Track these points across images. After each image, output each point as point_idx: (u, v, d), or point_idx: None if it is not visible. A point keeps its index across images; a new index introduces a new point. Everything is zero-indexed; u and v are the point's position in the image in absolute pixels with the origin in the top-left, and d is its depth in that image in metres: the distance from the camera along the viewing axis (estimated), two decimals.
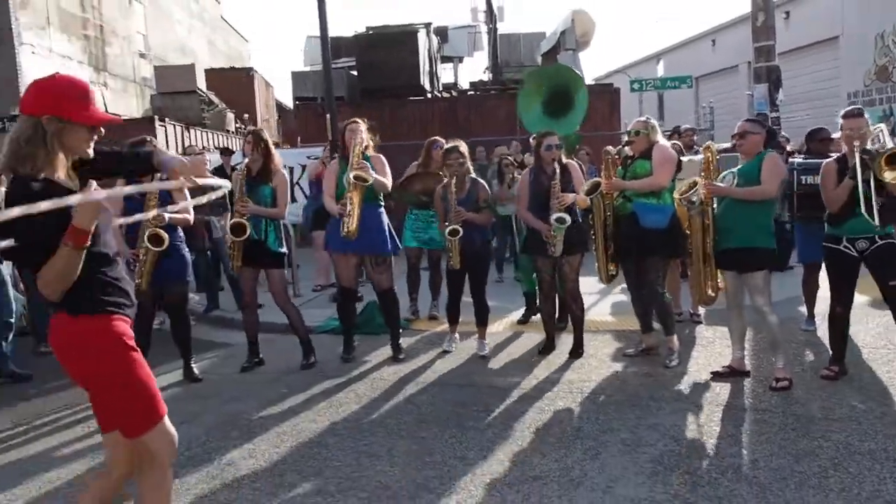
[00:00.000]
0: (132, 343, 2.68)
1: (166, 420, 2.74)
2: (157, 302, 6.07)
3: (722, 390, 5.13)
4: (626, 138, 6.10)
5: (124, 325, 2.69)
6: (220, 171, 9.05)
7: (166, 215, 5.42)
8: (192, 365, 6.09)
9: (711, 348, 6.20)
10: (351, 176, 5.84)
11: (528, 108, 8.69)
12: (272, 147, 6.19)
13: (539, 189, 5.98)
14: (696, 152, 8.41)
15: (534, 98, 8.90)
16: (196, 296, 9.27)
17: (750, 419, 4.59)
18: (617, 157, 5.88)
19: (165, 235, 5.44)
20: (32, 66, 15.90)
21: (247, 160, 6.09)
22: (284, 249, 6.28)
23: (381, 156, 6.27)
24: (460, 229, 6.08)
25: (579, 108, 8.94)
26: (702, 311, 7.10)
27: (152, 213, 5.13)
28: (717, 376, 5.39)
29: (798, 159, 6.50)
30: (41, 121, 2.51)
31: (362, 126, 6.20)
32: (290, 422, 4.92)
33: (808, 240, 6.25)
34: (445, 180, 6.36)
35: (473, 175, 6.43)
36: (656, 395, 5.10)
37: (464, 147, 6.36)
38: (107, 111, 17.93)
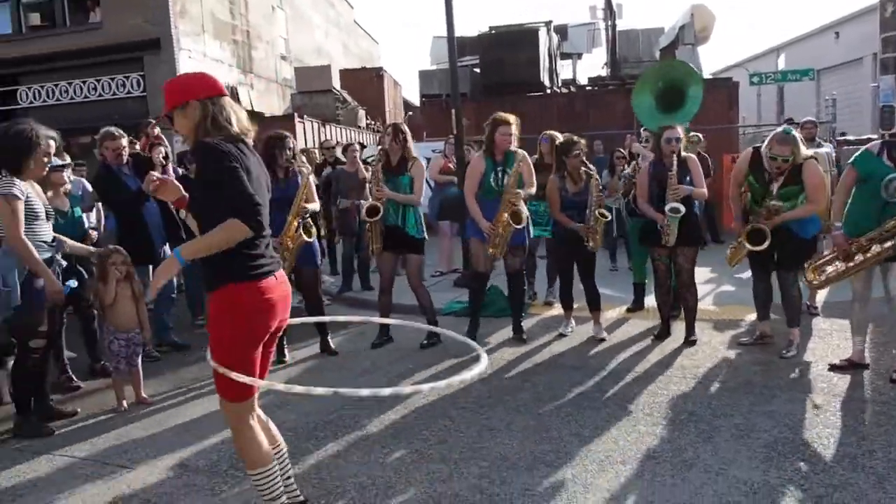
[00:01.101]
0: None
1: None
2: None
3: (839, 381, 4.91)
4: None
5: None
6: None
7: (309, 206, 5.75)
8: (329, 339, 6.36)
9: (829, 340, 5.93)
10: (505, 216, 5.95)
11: (641, 103, 8.56)
12: (410, 138, 6.29)
13: (658, 181, 5.88)
14: (819, 145, 8.03)
15: (646, 93, 8.75)
16: (331, 277, 9.64)
17: (868, 410, 4.38)
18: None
19: (314, 229, 5.73)
20: (189, 70, 16.84)
21: (379, 148, 6.29)
22: (424, 235, 6.32)
23: (525, 154, 6.21)
24: (608, 213, 6.10)
25: (691, 104, 8.71)
26: (819, 303, 6.80)
27: (312, 205, 5.77)
28: (834, 368, 5.15)
29: None
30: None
31: (515, 129, 6.12)
32: (416, 395, 5.06)
33: None
34: (557, 172, 6.42)
35: (589, 167, 6.38)
36: (770, 384, 4.94)
37: (582, 141, 6.34)
38: (253, 109, 18.78)
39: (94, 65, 16.72)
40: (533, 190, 6.21)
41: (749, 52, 38.63)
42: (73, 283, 4.86)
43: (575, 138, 6.36)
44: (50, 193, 5.26)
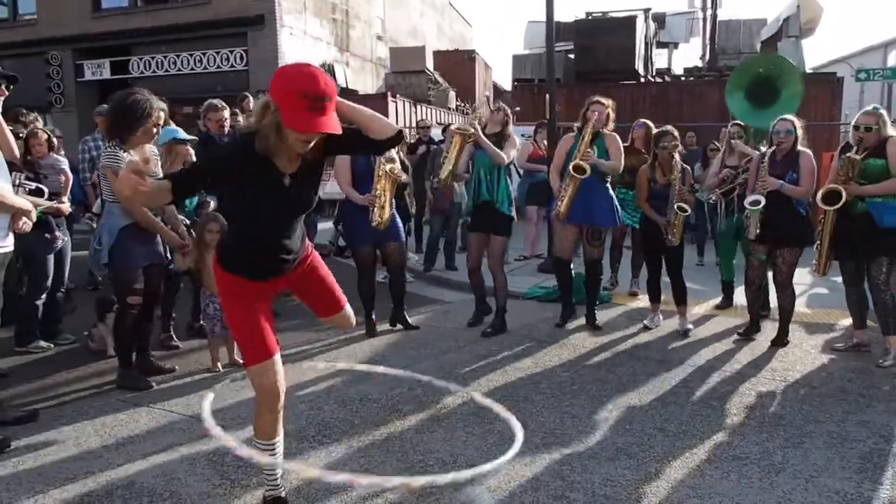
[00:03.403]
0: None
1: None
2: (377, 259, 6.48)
3: None
4: (848, 131, 5.60)
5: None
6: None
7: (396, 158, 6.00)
8: (405, 313, 6.37)
9: None
10: (570, 167, 5.83)
11: (732, 97, 8.33)
12: (511, 122, 6.29)
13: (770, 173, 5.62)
14: None
15: (738, 86, 8.48)
16: (416, 255, 9.70)
17: None
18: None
19: (402, 174, 5.87)
20: (290, 46, 17.19)
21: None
22: (513, 214, 6.17)
23: (615, 135, 6.14)
24: (687, 207, 5.92)
25: (785, 104, 8.36)
26: None
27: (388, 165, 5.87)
28: None
29: None
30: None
31: (609, 110, 6.06)
32: (499, 376, 5.05)
33: None
34: (648, 161, 6.27)
35: (678, 159, 6.17)
36: (866, 392, 4.69)
37: (675, 132, 6.17)
38: (347, 86, 18.93)
39: (201, 38, 17.28)
40: (618, 164, 6.05)
41: (854, 46, 36.67)
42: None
43: (668, 129, 6.19)
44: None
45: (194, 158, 5.79)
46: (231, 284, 2.90)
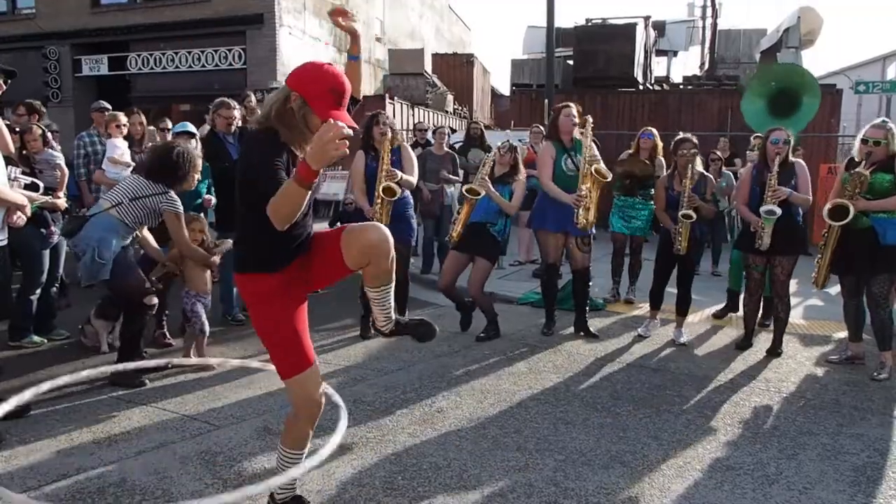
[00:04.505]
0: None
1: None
2: None
3: None
4: (846, 143, 5.63)
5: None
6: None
7: (398, 173, 5.79)
8: (406, 314, 6.36)
9: None
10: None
11: (750, 105, 8.28)
12: (520, 160, 6.32)
13: (761, 184, 5.64)
14: None
15: (759, 94, 8.45)
16: (412, 258, 9.69)
17: None
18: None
19: (398, 189, 5.76)
20: (288, 46, 17.17)
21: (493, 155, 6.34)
22: (503, 240, 6.21)
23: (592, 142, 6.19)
24: (693, 214, 5.91)
25: (804, 113, 8.38)
26: None
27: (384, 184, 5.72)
28: None
29: None
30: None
31: (574, 110, 6.11)
32: (492, 381, 5.05)
33: None
34: (668, 170, 6.28)
35: (700, 168, 6.17)
36: (860, 406, 4.71)
37: (694, 139, 6.18)
38: None
39: (199, 36, 17.26)
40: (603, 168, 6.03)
41: (852, 59, 36.85)
42: None
43: (688, 136, 6.20)
44: None
45: (200, 153, 5.80)
46: (259, 286, 2.75)
